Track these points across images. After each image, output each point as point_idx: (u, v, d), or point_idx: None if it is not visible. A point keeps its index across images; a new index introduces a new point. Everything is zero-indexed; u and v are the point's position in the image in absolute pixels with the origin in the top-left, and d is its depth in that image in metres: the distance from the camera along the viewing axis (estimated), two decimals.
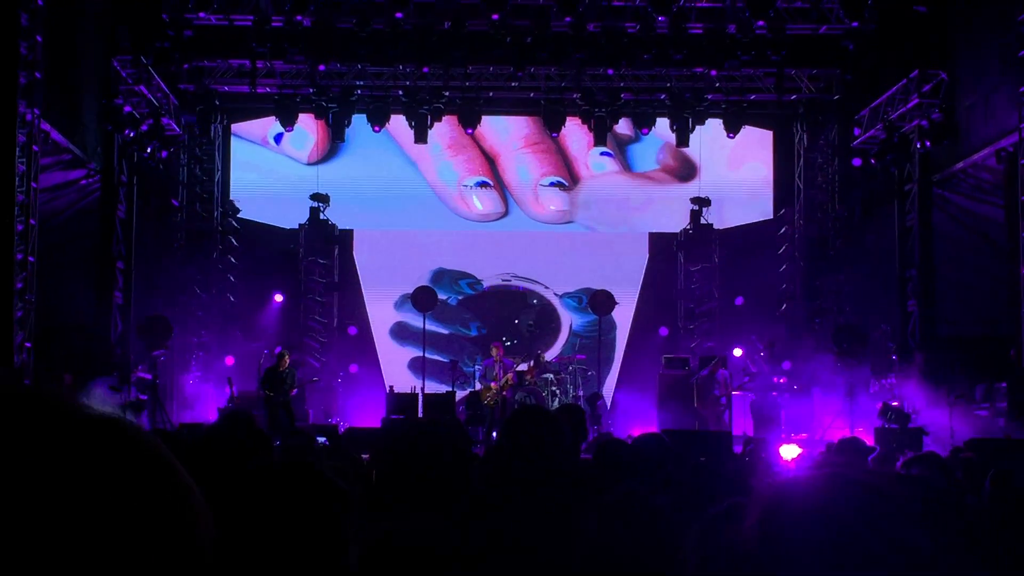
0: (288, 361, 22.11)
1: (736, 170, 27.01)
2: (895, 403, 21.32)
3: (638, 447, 7.81)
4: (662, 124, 25.04)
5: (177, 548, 1.45)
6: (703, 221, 26.50)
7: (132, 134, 22.14)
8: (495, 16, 21.73)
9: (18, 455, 1.37)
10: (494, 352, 23.70)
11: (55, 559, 1.34)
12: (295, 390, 22.03)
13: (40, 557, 1.34)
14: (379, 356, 26.60)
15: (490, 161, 26.99)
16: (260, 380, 22.04)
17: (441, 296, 25.98)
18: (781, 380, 23.83)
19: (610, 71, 24.03)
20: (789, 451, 14.60)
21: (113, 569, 1.38)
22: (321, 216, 26.31)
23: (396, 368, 26.16)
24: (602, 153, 26.59)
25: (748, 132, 25.75)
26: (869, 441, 15.20)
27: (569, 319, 27.07)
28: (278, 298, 25.96)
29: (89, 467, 1.40)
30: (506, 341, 24.62)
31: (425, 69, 23.91)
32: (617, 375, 26.69)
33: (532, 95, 25.64)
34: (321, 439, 11.17)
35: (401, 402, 22.65)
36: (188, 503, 1.49)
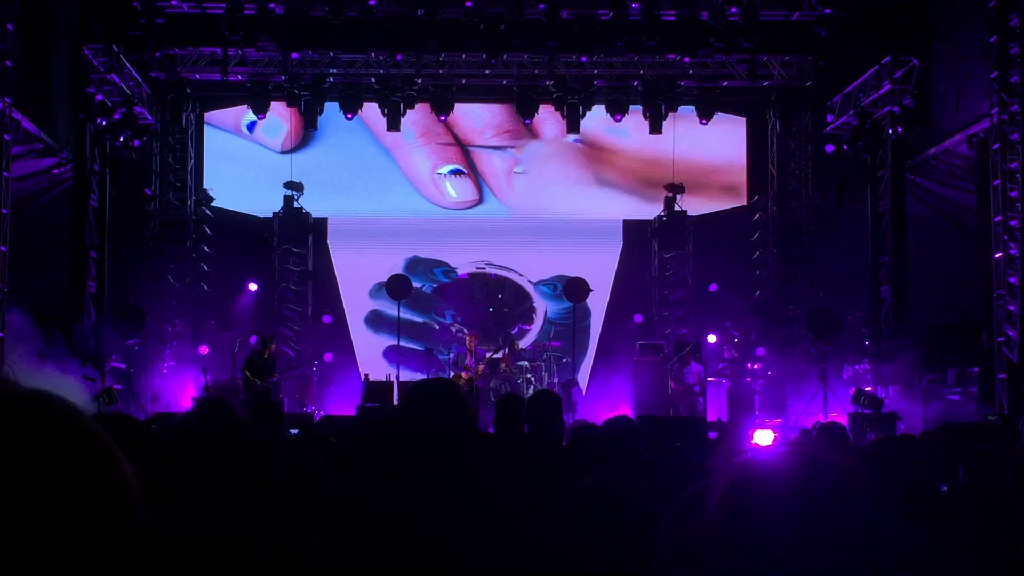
0: (272, 348, 22.25)
1: (709, 157, 27.02)
2: (868, 388, 21.43)
3: (608, 430, 7.85)
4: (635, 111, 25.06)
5: (99, 513, 1.46)
6: (677, 208, 26.53)
7: (104, 123, 22.07)
8: (468, 3, 21.74)
9: None
10: (468, 340, 23.72)
11: None
12: (275, 377, 22.07)
13: None
14: (354, 344, 26.57)
15: (464, 149, 26.96)
16: (243, 366, 22.06)
17: (416, 284, 25.93)
18: (755, 366, 23.92)
19: (583, 58, 24.06)
20: (763, 436, 14.66)
21: (41, 532, 1.40)
22: (295, 204, 26.24)
23: (371, 356, 26.12)
24: (575, 140, 26.58)
25: (721, 119, 25.78)
26: None
27: (544, 306, 27.08)
28: (252, 287, 25.88)
29: (15, 436, 1.42)
30: (472, 331, 24.55)
31: (398, 57, 23.89)
32: (592, 362, 26.71)
33: (505, 82, 25.62)
34: (293, 431, 11.13)
35: (376, 390, 22.61)
36: (113, 471, 1.50)
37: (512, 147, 26.99)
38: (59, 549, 1.43)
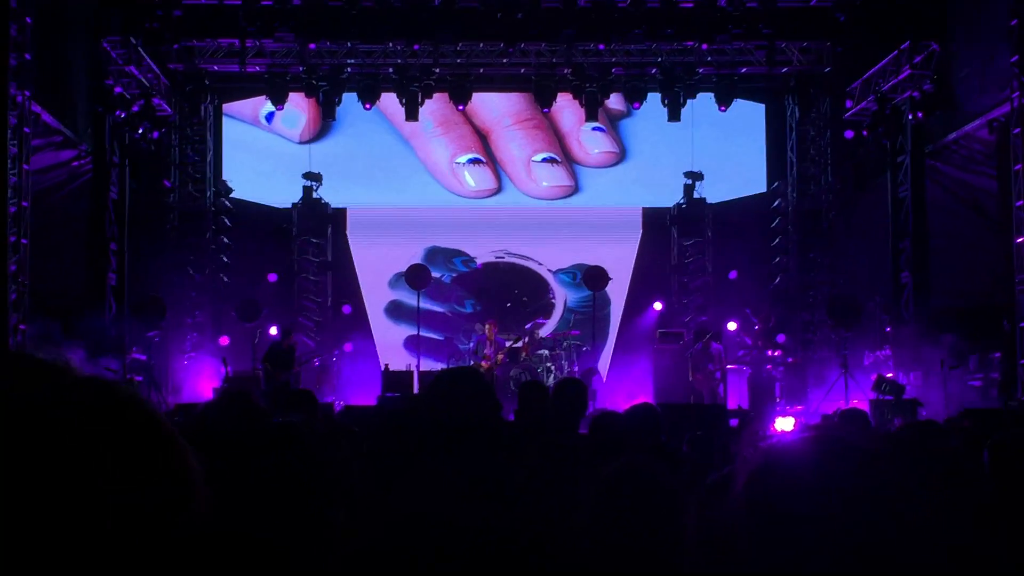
0: (292, 338, 22.33)
1: (728, 144, 26.95)
2: (889, 375, 21.39)
3: (629, 417, 7.85)
4: (653, 98, 25.02)
5: (167, 496, 1.46)
6: (696, 195, 26.48)
7: (123, 115, 22.12)
8: None
9: (27, 414, 1.38)
10: (487, 329, 23.72)
11: (52, 507, 1.36)
12: (296, 368, 22.15)
13: (38, 508, 1.35)
14: (374, 334, 26.59)
15: (482, 138, 26.94)
16: (263, 358, 22.13)
17: (435, 274, 25.94)
18: (776, 353, 23.88)
19: (601, 46, 24.03)
20: (784, 423, 14.65)
21: (109, 517, 1.39)
22: (314, 195, 26.27)
23: (391, 346, 26.13)
24: (594, 128, 26.53)
25: (740, 105, 25.72)
26: None
27: (563, 295, 27.06)
28: (272, 278, 25.93)
29: (86, 423, 1.42)
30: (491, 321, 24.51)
31: (415, 46, 23.89)
32: (612, 350, 26.69)
33: (523, 71, 25.59)
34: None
35: (396, 380, 22.66)
36: (178, 456, 1.50)
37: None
38: (129, 539, 1.43)
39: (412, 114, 24.85)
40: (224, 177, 26.57)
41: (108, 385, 1.54)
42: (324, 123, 26.42)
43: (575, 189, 27.06)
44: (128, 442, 1.48)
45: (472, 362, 23.67)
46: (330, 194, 26.45)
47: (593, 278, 25.41)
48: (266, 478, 2.48)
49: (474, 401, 4.02)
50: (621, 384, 24.66)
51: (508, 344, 23.69)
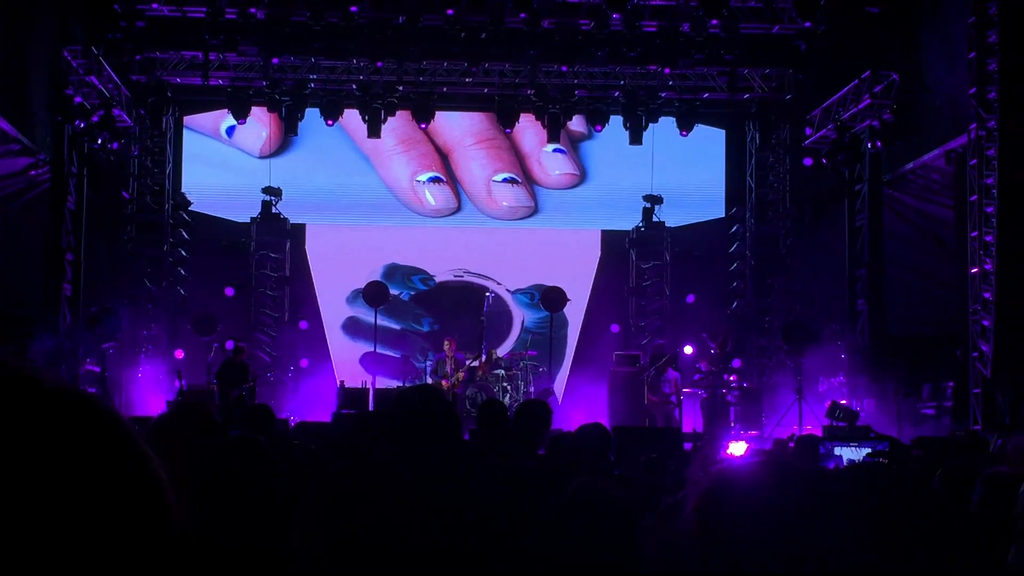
0: (245, 354, 22.19)
1: (688, 169, 27.08)
2: (843, 401, 21.49)
3: (581, 437, 7.88)
4: (615, 121, 25.11)
5: (140, 512, 1.45)
6: (655, 219, 26.58)
7: (83, 125, 21.97)
8: (450, 11, 21.73)
9: None
10: (446, 347, 23.70)
11: (18, 519, 1.35)
12: (248, 383, 22.01)
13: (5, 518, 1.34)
14: (330, 351, 26.51)
15: (443, 157, 26.94)
16: (216, 372, 22.01)
17: (393, 291, 25.91)
18: (731, 378, 23.96)
19: (564, 68, 24.10)
20: (737, 448, 14.69)
21: (78, 535, 1.38)
22: (273, 210, 26.18)
23: (347, 363, 26.06)
24: (555, 150, 26.59)
25: (700, 131, 25.85)
26: None
27: (521, 315, 27.07)
28: (229, 292, 25.82)
29: (56, 432, 1.41)
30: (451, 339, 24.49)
31: (379, 63, 23.89)
32: (568, 371, 26.71)
33: (486, 91, 25.62)
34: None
35: (352, 397, 22.58)
36: (147, 468, 1.49)
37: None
38: (90, 552, 1.41)
39: (374, 131, 24.84)
40: (183, 190, 26.46)
41: (81, 395, 1.53)
42: (285, 138, 26.37)
43: (535, 210, 27.11)
44: (98, 450, 1.47)
45: (431, 380, 23.65)
46: (289, 209, 26.37)
47: (551, 299, 25.44)
48: (223, 491, 2.47)
49: (437, 419, 4.02)
50: (577, 406, 24.67)
51: (468, 362, 23.67)
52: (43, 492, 1.36)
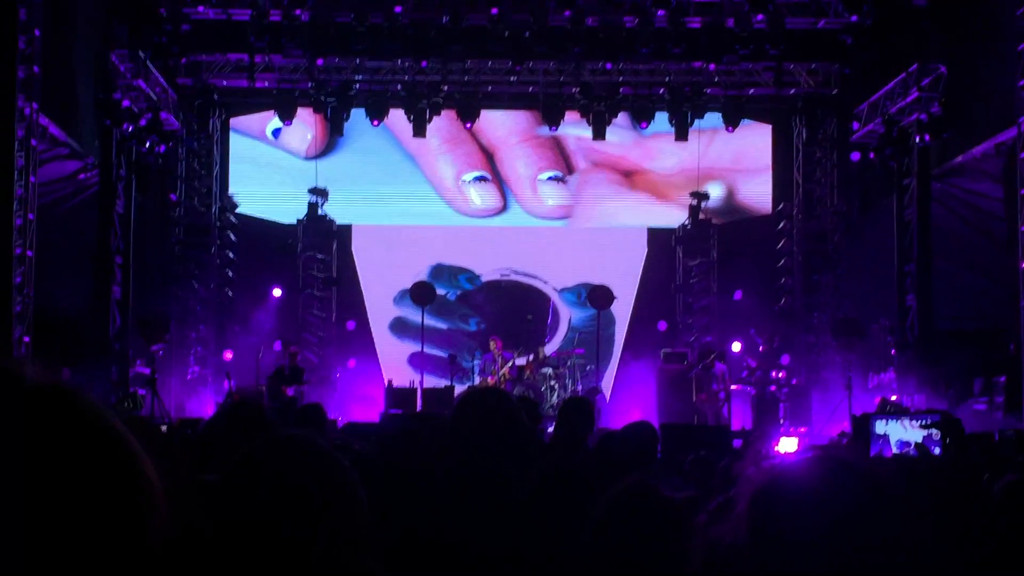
0: (299, 355, 22.39)
1: (735, 164, 27.00)
2: (893, 397, 21.35)
3: (629, 435, 7.87)
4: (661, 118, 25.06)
5: (117, 514, 1.44)
6: (702, 216, 26.48)
7: (131, 128, 22.12)
8: (494, 10, 21.74)
9: None
10: (493, 346, 23.73)
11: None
12: (294, 387, 22.13)
13: None
14: (377, 351, 26.56)
15: (488, 156, 26.95)
16: (272, 375, 22.14)
17: (440, 291, 25.93)
18: (780, 374, 23.85)
19: (608, 65, 24.03)
20: (788, 444, 14.64)
21: (60, 528, 1.38)
22: (319, 211, 26.27)
23: (395, 363, 26.12)
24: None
25: (747, 126, 25.75)
26: None
27: (568, 314, 27.04)
28: (276, 293, 25.93)
29: (33, 427, 1.40)
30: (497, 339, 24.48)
31: (423, 63, 23.91)
32: (616, 370, 26.65)
33: (531, 89, 25.63)
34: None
35: (400, 397, 22.64)
36: (134, 467, 1.48)
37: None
38: (72, 550, 1.40)
39: (419, 131, 24.90)
40: (230, 192, 26.61)
41: (60, 389, 1.52)
42: (331, 139, 26.46)
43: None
44: (78, 449, 1.45)
45: (478, 379, 23.69)
46: (336, 210, 26.46)
47: (598, 297, 25.38)
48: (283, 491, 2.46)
49: (503, 420, 4.02)
50: (624, 404, 24.64)
51: (512, 361, 23.68)
52: (18, 486, 1.36)
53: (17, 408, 1.41)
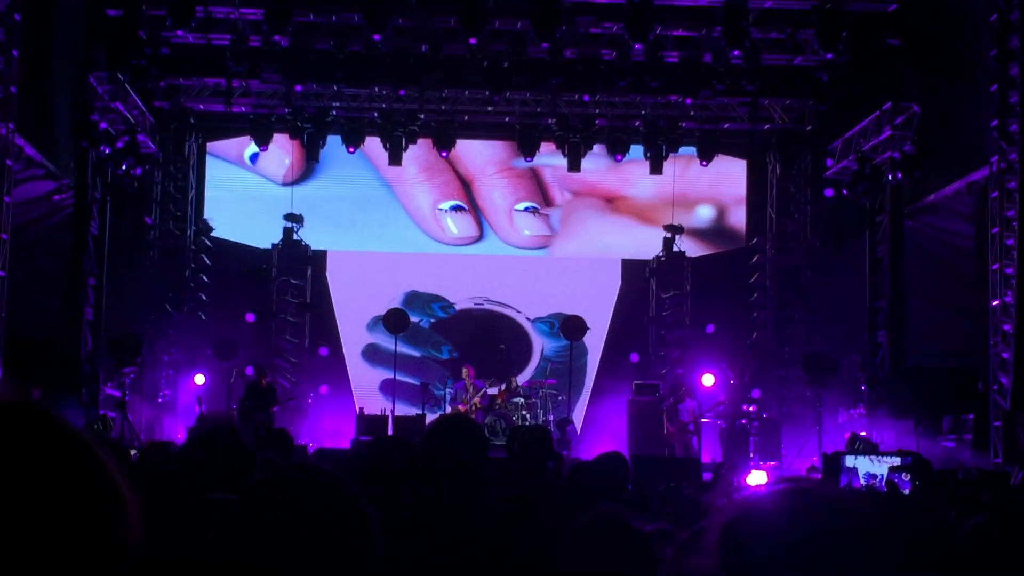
0: (268, 377, 22.31)
1: (709, 199, 27.13)
2: (863, 433, 21.42)
3: (600, 465, 7.89)
4: (636, 151, 25.15)
5: (91, 524, 1.46)
6: (675, 249, 26.56)
7: (107, 151, 22.07)
8: (472, 40, 21.79)
9: None
10: (465, 374, 23.73)
11: None
12: (276, 407, 22.11)
13: None
14: (350, 377, 26.52)
15: (465, 185, 27.01)
16: (242, 396, 22.08)
17: (413, 319, 25.93)
18: (751, 408, 23.90)
19: (586, 97, 24.12)
20: (757, 478, 14.66)
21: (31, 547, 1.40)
22: (295, 236, 26.25)
23: (367, 390, 26.09)
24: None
25: (721, 161, 25.86)
26: None
27: (540, 343, 27.06)
28: (250, 317, 25.87)
29: (9, 446, 1.43)
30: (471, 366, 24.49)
31: (401, 92, 23.95)
32: (588, 400, 26.66)
33: (507, 119, 25.72)
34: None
35: (371, 424, 22.60)
36: (105, 485, 1.50)
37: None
38: (47, 564, 1.43)
39: (396, 159, 24.93)
40: (206, 216, 26.57)
41: (33, 410, 1.54)
42: (307, 165, 26.47)
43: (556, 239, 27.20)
44: (51, 469, 1.48)
45: (449, 408, 23.67)
46: (311, 236, 26.45)
47: (571, 328, 25.42)
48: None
49: (464, 444, 4.06)
50: (596, 434, 24.67)
51: (483, 389, 23.69)
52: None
53: None
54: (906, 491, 11.35)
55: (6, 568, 1.38)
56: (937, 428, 20.53)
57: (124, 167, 22.61)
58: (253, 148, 25.65)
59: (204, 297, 26.24)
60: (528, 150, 25.03)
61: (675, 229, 26.45)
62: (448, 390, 24.76)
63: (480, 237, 27.04)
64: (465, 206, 27.00)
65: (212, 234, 26.41)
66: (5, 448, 1.43)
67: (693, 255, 26.79)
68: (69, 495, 1.45)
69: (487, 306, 27.00)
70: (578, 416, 25.95)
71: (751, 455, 22.90)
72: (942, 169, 21.32)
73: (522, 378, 25.68)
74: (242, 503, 2.27)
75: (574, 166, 25.15)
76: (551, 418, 23.99)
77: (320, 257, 26.92)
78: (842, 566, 2.19)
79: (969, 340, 20.19)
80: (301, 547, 2.14)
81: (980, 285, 19.51)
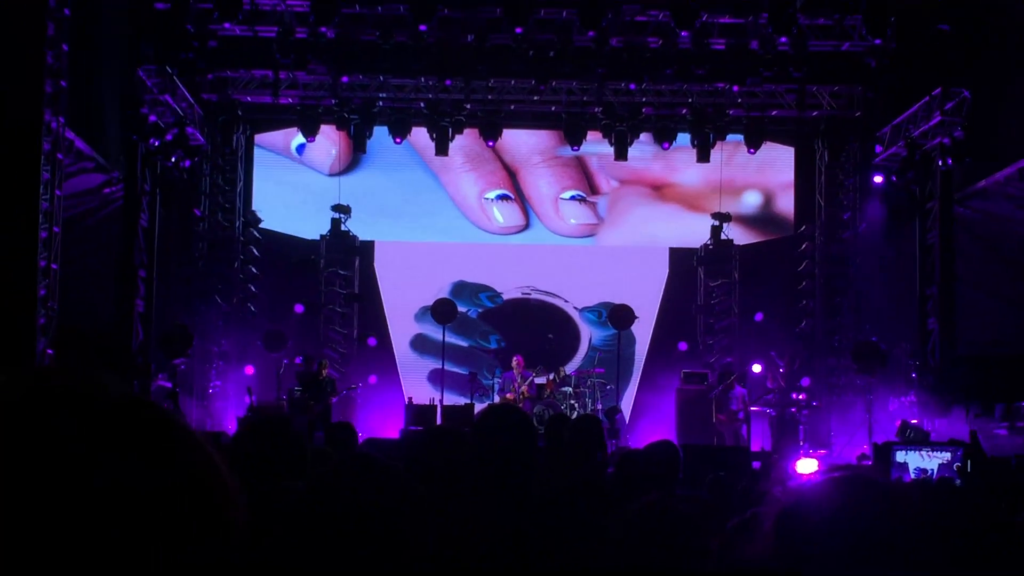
0: (327, 368, 22.46)
1: (757, 185, 27.01)
2: (914, 421, 21.29)
3: (650, 454, 7.89)
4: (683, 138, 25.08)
5: (205, 515, 1.49)
6: (723, 236, 26.47)
7: (156, 143, 22.22)
8: (518, 30, 21.77)
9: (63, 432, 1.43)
10: (515, 364, 23.75)
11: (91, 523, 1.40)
12: (335, 398, 22.26)
13: (75, 523, 1.39)
14: (398, 367, 26.61)
15: (511, 174, 27.02)
16: (293, 387, 22.24)
17: (461, 308, 25.97)
18: (800, 396, 23.81)
19: (632, 86, 24.04)
20: (806, 466, 14.60)
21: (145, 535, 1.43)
22: (342, 227, 26.33)
23: (415, 380, 26.18)
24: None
25: (769, 147, 25.74)
26: None
27: (588, 333, 27.05)
28: (299, 308, 26.00)
29: (125, 440, 1.46)
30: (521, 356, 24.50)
31: (447, 82, 23.98)
32: (636, 389, 26.63)
33: (553, 109, 25.68)
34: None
35: (420, 414, 22.69)
36: (215, 477, 1.53)
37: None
38: (156, 561, 1.46)
39: (442, 149, 24.97)
40: (254, 207, 26.69)
41: (151, 405, 1.58)
42: (354, 156, 26.56)
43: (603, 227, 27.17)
44: (172, 463, 1.51)
45: (498, 397, 23.71)
46: (358, 227, 26.51)
47: (619, 317, 25.40)
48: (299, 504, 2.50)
49: (514, 433, 4.07)
50: (644, 423, 24.65)
51: (531, 378, 23.71)
52: (122, 497, 1.41)
53: (109, 421, 1.47)
54: (958, 483, 11.28)
55: (157, 545, 1.42)
56: (989, 415, 20.38)
57: (173, 159, 22.76)
58: (300, 139, 25.75)
59: (253, 288, 26.39)
60: (574, 139, 25.00)
61: (723, 217, 26.35)
62: (496, 379, 24.79)
63: (526, 226, 27.05)
64: (511, 195, 27.01)
65: (260, 225, 26.55)
66: (138, 440, 1.47)
67: (740, 242, 26.67)
68: (194, 483, 1.50)
69: (534, 295, 27.01)
70: (626, 405, 25.94)
71: (801, 443, 22.82)
72: (993, 154, 21.14)
73: (570, 367, 25.69)
74: (309, 492, 2.31)
75: (621, 155, 25.10)
76: (599, 407, 23.99)
77: (368, 247, 26.99)
78: (895, 554, 2.18)
79: (1020, 327, 20.04)
80: (364, 534, 2.17)
81: None
